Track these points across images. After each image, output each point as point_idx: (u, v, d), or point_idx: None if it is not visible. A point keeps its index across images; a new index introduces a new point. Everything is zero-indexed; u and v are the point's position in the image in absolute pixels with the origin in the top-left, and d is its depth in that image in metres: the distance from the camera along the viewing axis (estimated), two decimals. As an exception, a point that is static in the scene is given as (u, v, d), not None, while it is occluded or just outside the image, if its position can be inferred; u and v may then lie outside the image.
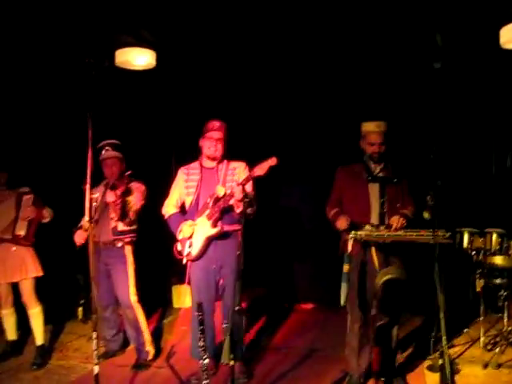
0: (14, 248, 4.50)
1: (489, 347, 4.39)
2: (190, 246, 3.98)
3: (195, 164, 4.14)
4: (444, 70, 4.30)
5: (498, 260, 4.35)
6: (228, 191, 3.80)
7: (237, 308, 3.36)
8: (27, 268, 4.51)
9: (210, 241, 3.95)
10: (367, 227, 3.66)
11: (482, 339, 4.44)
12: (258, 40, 4.94)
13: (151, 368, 4.34)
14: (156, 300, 5.89)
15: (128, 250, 4.41)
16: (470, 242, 4.45)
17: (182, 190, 4.13)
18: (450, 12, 4.20)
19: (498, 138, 5.49)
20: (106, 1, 4.07)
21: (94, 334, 3.23)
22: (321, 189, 4.13)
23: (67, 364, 4.52)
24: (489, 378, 3.95)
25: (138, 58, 4.46)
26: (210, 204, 3.90)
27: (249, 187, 3.81)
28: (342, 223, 3.71)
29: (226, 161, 4.08)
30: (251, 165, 3.84)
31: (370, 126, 3.81)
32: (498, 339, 4.41)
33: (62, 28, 4.41)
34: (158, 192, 4.49)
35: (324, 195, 4.01)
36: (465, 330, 4.76)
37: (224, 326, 3.27)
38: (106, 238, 4.35)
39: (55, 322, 5.40)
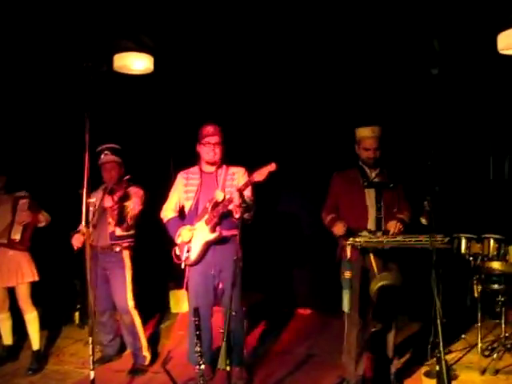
0: (11, 252, 4.49)
1: (486, 353, 4.38)
2: (188, 251, 3.98)
3: (195, 169, 4.15)
4: (441, 75, 4.31)
5: (496, 265, 4.34)
6: (227, 196, 3.79)
7: (234, 313, 3.35)
8: (23, 273, 4.50)
9: (208, 246, 3.95)
10: (364, 233, 3.65)
11: (479, 345, 4.42)
12: (256, 46, 4.96)
13: (148, 373, 4.33)
14: (153, 305, 5.87)
15: (126, 254, 4.40)
16: (468, 247, 4.44)
17: (181, 194, 4.13)
18: (448, 18, 4.22)
19: (496, 144, 5.49)
20: (105, 5, 4.08)
21: (90, 339, 3.22)
22: (320, 194, 4.12)
23: (63, 369, 4.50)
24: (486, 384, 3.95)
25: (136, 63, 4.47)
26: (209, 209, 3.90)
27: (248, 192, 3.81)
28: (338, 229, 3.71)
29: (225, 166, 4.09)
30: (250, 170, 3.85)
31: (364, 132, 3.81)
32: (495, 345, 4.41)
33: (60, 32, 4.42)
34: (156, 197, 4.48)
35: (323, 201, 4.01)
36: (462, 336, 4.75)
37: (221, 330, 3.25)
38: (104, 243, 4.34)
39: (52, 326, 5.39)
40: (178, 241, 4.04)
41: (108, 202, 4.17)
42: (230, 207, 3.77)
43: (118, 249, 4.35)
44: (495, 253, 4.35)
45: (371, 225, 3.71)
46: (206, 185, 4.03)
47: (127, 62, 4.42)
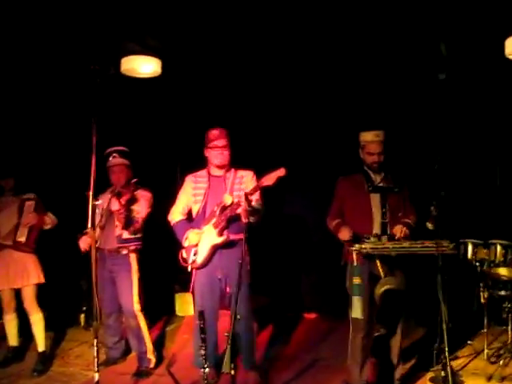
0: (17, 254, 4.51)
1: (493, 360, 4.35)
2: (195, 254, 3.98)
3: (203, 172, 4.14)
4: (448, 80, 4.30)
5: (503, 271, 4.32)
6: (235, 200, 3.79)
7: (238, 317, 3.34)
8: (29, 274, 4.51)
9: (215, 249, 3.95)
10: (371, 239, 3.64)
11: (485, 351, 4.40)
12: (263, 51, 4.97)
13: (152, 376, 4.32)
14: (159, 308, 5.87)
15: (133, 257, 4.39)
16: (474, 253, 4.43)
17: (189, 197, 4.12)
18: (455, 22, 4.21)
19: (503, 149, 5.48)
20: (112, 8, 4.09)
21: (95, 341, 3.22)
22: (326, 199, 4.11)
23: (68, 371, 4.51)
24: (492, 390, 3.92)
25: (143, 66, 4.48)
26: (217, 212, 3.90)
27: (256, 197, 3.81)
28: (344, 234, 3.70)
29: (233, 169, 4.09)
30: (257, 174, 3.85)
31: (368, 136, 3.80)
32: (501, 352, 4.38)
33: (68, 35, 4.44)
34: (162, 200, 4.49)
35: (329, 205, 4.00)
36: (468, 342, 4.72)
37: (226, 334, 3.25)
38: (111, 246, 4.34)
39: (57, 328, 5.40)
40: (186, 244, 4.03)
41: (115, 206, 4.18)
42: (238, 211, 3.77)
43: (124, 252, 4.35)
44: (502, 259, 4.34)
45: (376, 229, 3.69)
46: (215, 188, 4.03)
47: (135, 66, 4.43)
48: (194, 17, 4.38)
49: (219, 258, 3.97)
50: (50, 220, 4.65)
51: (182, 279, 5.59)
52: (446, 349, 3.24)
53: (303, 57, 5.09)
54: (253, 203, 3.68)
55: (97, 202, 3.41)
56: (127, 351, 4.71)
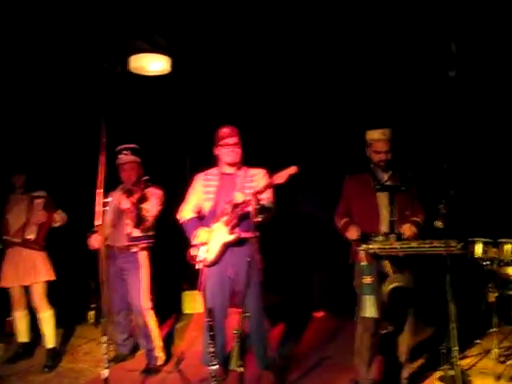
0: (26, 251, 4.54)
1: (502, 359, 4.33)
2: (206, 252, 3.97)
3: (214, 170, 4.13)
4: (459, 78, 4.28)
5: (512, 271, 4.30)
6: (246, 198, 3.79)
7: (247, 314, 3.35)
8: (38, 272, 4.54)
9: (226, 247, 3.95)
10: (379, 238, 3.63)
11: (494, 351, 4.38)
12: (273, 48, 4.96)
13: (161, 373, 4.34)
14: (167, 305, 5.89)
15: (143, 255, 4.40)
16: (484, 252, 4.40)
17: (200, 195, 4.11)
18: (465, 19, 4.19)
19: (513, 147, 5.45)
20: (121, 7, 4.10)
21: (104, 338, 3.24)
22: (335, 197, 4.11)
23: (77, 367, 4.54)
24: (501, 390, 3.90)
25: (152, 64, 4.49)
26: (228, 210, 3.89)
27: (268, 195, 3.81)
28: (352, 234, 3.70)
29: (245, 167, 4.08)
30: (269, 172, 3.86)
31: (375, 134, 3.79)
32: (511, 351, 4.36)
33: (77, 34, 4.46)
34: (171, 198, 4.49)
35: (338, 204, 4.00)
36: (477, 342, 4.70)
37: (234, 332, 3.26)
38: (121, 244, 4.35)
39: (66, 325, 5.43)
40: (195, 241, 4.02)
41: (125, 204, 4.18)
42: (249, 209, 3.77)
43: (135, 249, 4.36)
44: (511, 258, 4.30)
45: (384, 228, 3.68)
46: (225, 186, 4.02)
47: (143, 64, 4.45)
48: (202, 14, 4.38)
49: (230, 255, 3.97)
50: (59, 217, 4.67)
51: (189, 277, 5.60)
52: (455, 348, 3.23)
53: (313, 55, 5.08)
54: (263, 201, 3.68)
55: (106, 200, 3.41)
56: (136, 348, 4.74)
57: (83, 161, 5.45)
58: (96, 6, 4.10)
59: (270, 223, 3.89)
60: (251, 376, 3.98)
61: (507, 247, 4.33)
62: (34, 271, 4.53)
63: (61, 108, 5.70)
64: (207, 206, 4.06)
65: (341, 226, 3.84)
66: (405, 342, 3.83)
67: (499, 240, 4.39)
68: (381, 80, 5.34)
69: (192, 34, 4.71)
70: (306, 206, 6.19)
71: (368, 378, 3.78)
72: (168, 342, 5.05)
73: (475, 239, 4.46)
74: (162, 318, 5.64)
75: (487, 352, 4.50)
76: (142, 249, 4.39)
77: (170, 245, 5.20)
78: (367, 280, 3.56)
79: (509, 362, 4.15)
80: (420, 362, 4.37)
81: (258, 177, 4.01)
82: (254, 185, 3.92)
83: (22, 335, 4.77)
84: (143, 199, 4.28)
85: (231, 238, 3.90)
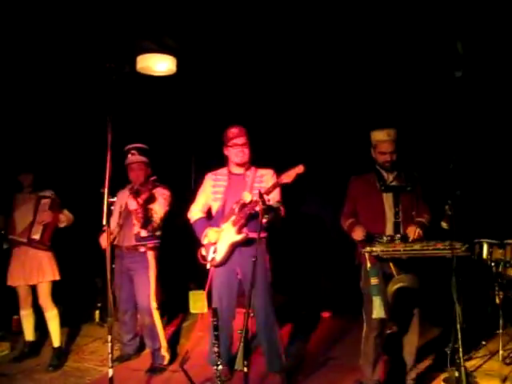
0: (32, 251, 4.55)
1: (508, 361, 4.30)
2: (214, 252, 3.97)
3: (223, 170, 4.13)
4: (465, 78, 4.27)
5: (518, 272, 4.28)
6: (254, 198, 3.78)
7: (251, 314, 3.35)
8: (44, 271, 4.56)
9: (234, 247, 3.94)
10: (383, 239, 3.62)
11: (500, 352, 4.36)
12: (279, 49, 4.96)
13: (165, 372, 4.35)
14: (174, 305, 5.90)
15: (151, 255, 4.40)
16: (490, 253, 4.38)
17: (208, 195, 4.11)
18: (472, 19, 4.17)
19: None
20: (128, 7, 4.12)
21: (110, 337, 3.24)
22: (342, 197, 4.10)
23: (83, 366, 4.55)
24: (507, 392, 3.89)
25: (158, 64, 4.51)
26: (236, 210, 3.89)
27: (274, 195, 3.80)
28: (357, 234, 3.69)
29: (254, 168, 4.07)
30: (276, 172, 3.86)
31: (379, 135, 3.77)
32: (517, 353, 4.34)
33: (84, 33, 4.47)
34: (177, 198, 4.50)
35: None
36: (483, 343, 4.67)
37: (239, 332, 3.26)
38: (129, 243, 4.35)
39: (72, 324, 5.45)
40: (205, 241, 4.02)
41: (132, 205, 4.18)
42: (257, 209, 3.76)
43: (142, 249, 4.37)
44: (517, 259, 4.28)
45: (389, 229, 3.68)
46: (234, 186, 4.01)
47: (150, 64, 4.46)
48: (208, 15, 4.38)
49: (238, 256, 3.96)
50: (65, 218, 4.68)
51: (196, 277, 5.60)
52: (460, 349, 3.21)
53: (320, 55, 5.08)
54: (270, 201, 3.67)
55: (112, 199, 3.42)
56: (141, 348, 4.74)
57: (91, 160, 5.49)
58: (104, 7, 4.11)
59: (279, 223, 3.88)
60: (257, 376, 3.98)
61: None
62: (40, 271, 4.54)
63: (68, 107, 5.73)
64: (216, 206, 4.06)
65: (346, 226, 3.84)
66: (412, 343, 3.82)
67: (505, 241, 4.37)
68: (387, 80, 5.33)
69: (197, 34, 4.71)
70: (313, 207, 6.18)
71: (373, 378, 3.78)
72: (174, 341, 5.06)
73: (481, 240, 4.44)
74: (168, 318, 5.68)
75: (493, 354, 4.48)
76: (150, 249, 4.39)
77: (176, 244, 5.22)
78: (374, 281, 3.55)
79: (515, 364, 4.14)
80: (426, 363, 4.36)
81: (267, 177, 4.00)
82: (263, 185, 3.91)
83: (29, 334, 4.79)
84: (151, 200, 4.28)
85: (239, 237, 3.89)
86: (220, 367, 3.44)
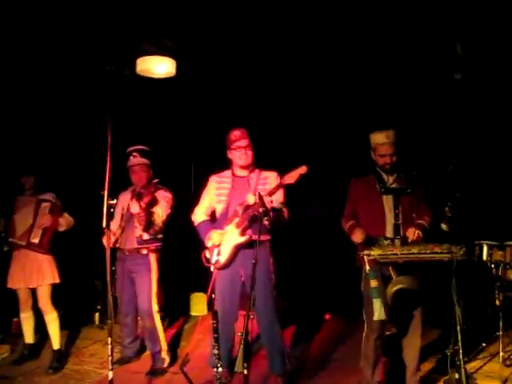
0: (32, 254, 4.54)
1: (508, 363, 4.30)
2: (218, 254, 3.95)
3: (227, 172, 4.11)
4: (464, 80, 4.27)
5: (518, 274, 4.28)
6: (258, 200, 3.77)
7: (252, 317, 3.34)
8: (44, 275, 4.55)
9: (238, 249, 3.91)
10: (383, 242, 3.62)
11: (501, 354, 4.36)
12: (278, 51, 4.97)
13: (166, 375, 4.35)
14: (175, 307, 5.90)
15: (153, 257, 4.40)
16: (490, 254, 4.38)
17: (212, 197, 4.10)
18: (471, 22, 4.18)
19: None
20: (128, 9, 4.12)
21: (109, 340, 3.24)
22: (343, 199, 4.10)
23: (83, 369, 4.55)
24: (507, 393, 3.89)
25: (158, 67, 4.51)
26: (240, 212, 3.87)
27: (277, 196, 3.80)
28: (357, 237, 3.68)
29: (258, 170, 4.06)
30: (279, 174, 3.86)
31: (378, 138, 3.76)
32: (517, 355, 4.34)
33: (84, 36, 4.48)
34: (177, 200, 4.50)
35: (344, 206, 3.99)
36: (483, 345, 4.68)
37: (239, 334, 3.25)
38: (131, 246, 4.35)
39: (72, 327, 5.45)
40: (209, 244, 3.99)
41: (135, 209, 4.17)
42: (261, 211, 3.75)
43: (144, 251, 4.37)
44: (517, 261, 4.28)
45: (389, 231, 3.67)
46: (238, 188, 3.99)
47: (150, 66, 4.46)
48: (208, 17, 4.39)
49: (241, 258, 3.93)
50: (64, 222, 4.66)
51: (197, 279, 5.60)
52: (461, 351, 3.21)
53: (320, 58, 5.09)
54: (273, 203, 3.66)
55: (112, 202, 3.42)
56: (141, 350, 4.74)
57: (91, 162, 5.49)
58: (104, 9, 4.12)
59: (285, 226, 3.87)
60: (257, 379, 3.98)
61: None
62: (40, 274, 4.54)
63: (69, 110, 5.73)
64: (220, 208, 4.04)
65: (347, 228, 3.83)
66: (415, 347, 3.77)
67: (505, 243, 4.37)
68: (388, 83, 5.34)
69: (197, 37, 4.72)
70: (315, 209, 6.18)
71: (373, 380, 3.78)
72: (174, 343, 5.06)
73: (481, 242, 4.44)
74: (169, 320, 5.67)
75: (493, 355, 4.48)
76: (152, 251, 4.40)
77: (177, 247, 5.21)
78: (374, 283, 3.55)
79: (515, 366, 4.14)
80: (426, 365, 4.35)
81: (271, 179, 3.98)
82: (267, 187, 3.88)
83: (29, 336, 4.79)
84: (153, 203, 4.27)
85: (242, 239, 3.87)
86: (220, 369, 3.44)
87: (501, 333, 4.40)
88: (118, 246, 4.40)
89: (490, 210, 5.26)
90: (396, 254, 3.48)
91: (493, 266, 4.39)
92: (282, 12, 4.33)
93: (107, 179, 3.29)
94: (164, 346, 4.45)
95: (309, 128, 5.94)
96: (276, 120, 5.93)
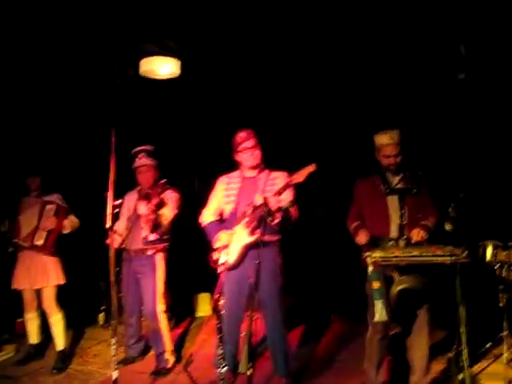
0: (37, 256, 4.56)
1: (512, 363, 4.30)
2: (227, 255, 3.94)
3: (236, 173, 4.10)
4: (468, 80, 4.26)
5: (523, 274, 4.26)
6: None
7: (255, 317, 3.34)
8: (49, 276, 4.56)
9: (247, 249, 3.89)
10: (387, 243, 3.61)
11: (505, 355, 4.32)
12: (282, 51, 4.97)
13: (170, 375, 4.35)
14: (180, 308, 5.90)
15: (159, 257, 4.41)
16: (494, 255, 4.36)
17: (220, 199, 4.08)
18: (475, 22, 4.17)
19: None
20: (131, 10, 4.13)
21: (113, 340, 3.25)
22: (350, 200, 4.09)
23: (87, 369, 4.57)
24: (512, 395, 3.87)
25: (162, 67, 4.50)
26: (249, 212, 3.87)
27: (288, 195, 3.79)
28: (361, 238, 3.68)
29: (267, 170, 4.05)
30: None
31: (383, 139, 3.76)
32: (522, 355, 4.32)
33: (87, 37, 4.49)
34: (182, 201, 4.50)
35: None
36: (488, 346, 4.66)
37: (242, 334, 3.25)
38: (137, 247, 4.36)
39: (76, 327, 5.46)
40: (217, 245, 3.97)
41: (143, 210, 4.18)
42: (265, 211, 3.73)
43: (150, 252, 4.37)
44: (522, 261, 4.26)
45: (394, 232, 3.66)
46: (247, 189, 3.98)
47: (154, 67, 4.46)
48: (211, 18, 4.39)
49: (250, 259, 3.90)
50: (69, 224, 4.66)
51: (202, 279, 5.60)
52: (465, 351, 3.21)
53: (325, 59, 5.09)
54: (282, 203, 3.65)
55: (116, 202, 3.42)
56: (146, 350, 4.75)
57: (97, 163, 5.50)
58: (107, 11, 4.13)
59: (293, 226, 3.87)
60: (261, 379, 3.97)
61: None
62: (45, 275, 4.55)
63: (74, 111, 5.74)
64: (229, 209, 4.02)
65: (352, 229, 3.83)
66: (423, 348, 3.75)
67: (510, 243, 4.35)
68: (392, 83, 5.33)
69: (201, 37, 4.72)
70: (321, 209, 6.18)
71: (377, 381, 3.77)
72: (179, 344, 5.06)
73: (485, 242, 4.42)
74: (175, 321, 5.67)
75: (498, 356, 4.46)
76: (158, 252, 4.40)
77: (183, 247, 5.21)
78: (376, 285, 3.54)
79: (519, 367, 4.12)
80: (430, 365, 4.34)
81: (280, 179, 3.94)
82: (276, 188, 3.84)
83: (33, 337, 4.80)
84: (161, 204, 4.26)
85: (251, 239, 3.83)
86: (223, 370, 3.44)
87: (505, 333, 4.38)
88: (123, 246, 4.40)
89: (494, 211, 5.24)
90: (397, 257, 3.46)
91: (497, 266, 4.37)
92: (287, 13, 4.33)
93: (111, 180, 3.29)
94: (169, 346, 4.46)
95: (315, 129, 5.93)
96: (282, 121, 5.92)
